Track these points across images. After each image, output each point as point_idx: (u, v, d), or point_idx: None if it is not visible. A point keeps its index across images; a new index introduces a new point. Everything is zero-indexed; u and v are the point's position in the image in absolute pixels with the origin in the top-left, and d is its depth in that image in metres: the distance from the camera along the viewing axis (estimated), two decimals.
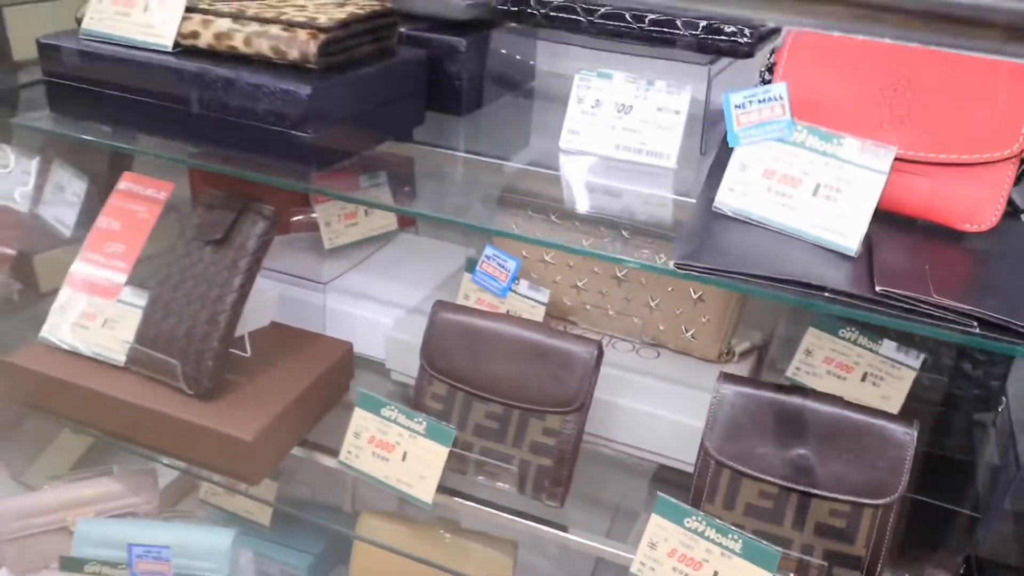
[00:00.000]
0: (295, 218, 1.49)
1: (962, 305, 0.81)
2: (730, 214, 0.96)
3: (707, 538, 1.02)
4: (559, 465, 1.15)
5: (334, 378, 1.29)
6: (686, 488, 1.29)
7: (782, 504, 1.06)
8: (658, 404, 1.22)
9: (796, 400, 1.07)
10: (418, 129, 1.25)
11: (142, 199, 1.25)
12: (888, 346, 1.17)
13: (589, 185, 1.19)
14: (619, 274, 1.31)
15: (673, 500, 1.05)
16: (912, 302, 0.82)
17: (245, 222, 1.18)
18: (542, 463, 1.15)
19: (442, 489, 1.16)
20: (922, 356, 1.15)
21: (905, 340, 1.19)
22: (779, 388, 1.09)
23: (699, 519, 1.03)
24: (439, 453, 1.15)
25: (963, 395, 1.18)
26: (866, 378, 1.18)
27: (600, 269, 1.31)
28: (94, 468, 1.36)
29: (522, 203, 1.33)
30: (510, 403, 1.16)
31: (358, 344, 1.35)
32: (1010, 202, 0.96)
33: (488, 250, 1.30)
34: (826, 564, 1.04)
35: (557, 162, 1.19)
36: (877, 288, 0.83)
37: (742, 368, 1.30)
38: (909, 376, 1.15)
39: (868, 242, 0.91)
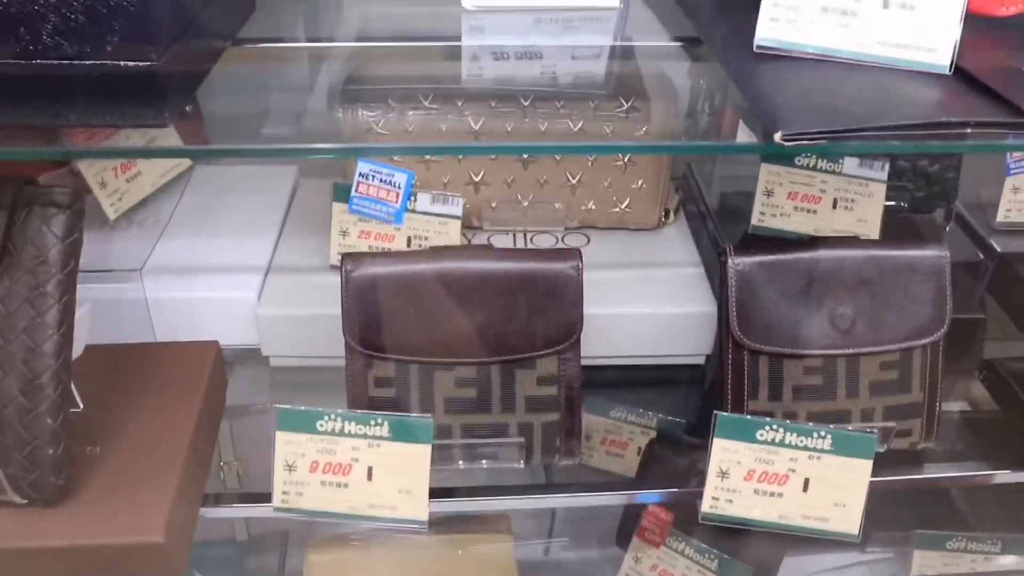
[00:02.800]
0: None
1: None
2: (775, 49, 0.73)
3: (788, 445, 0.86)
4: (569, 415, 0.91)
5: (211, 397, 0.92)
6: (662, 383, 1.12)
7: (831, 375, 0.92)
8: (612, 301, 1.00)
9: (820, 253, 0.91)
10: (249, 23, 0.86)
11: None
12: (850, 163, 1.03)
13: (503, 49, 0.90)
14: (524, 155, 1.03)
15: (736, 416, 0.86)
16: None
17: (29, 221, 0.74)
18: (547, 420, 0.90)
19: None
20: (886, 165, 1.03)
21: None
22: (795, 245, 0.92)
23: (774, 427, 0.85)
24: (418, 455, 0.86)
25: (925, 195, 1.09)
26: (837, 205, 1.04)
27: (499, 154, 1.03)
28: None
29: (380, 92, 1.00)
30: (485, 360, 0.89)
31: (208, 337, 0.97)
32: None
33: (362, 166, 0.96)
34: (893, 424, 0.92)
35: (454, 28, 0.88)
36: None
37: (681, 227, 1.12)
38: (879, 190, 1.03)
39: None
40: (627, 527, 1.12)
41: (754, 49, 0.73)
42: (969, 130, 0.66)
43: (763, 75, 0.71)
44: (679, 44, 0.95)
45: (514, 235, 1.07)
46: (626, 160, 1.04)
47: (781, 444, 0.86)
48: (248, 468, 1.04)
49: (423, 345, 0.88)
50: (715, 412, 0.86)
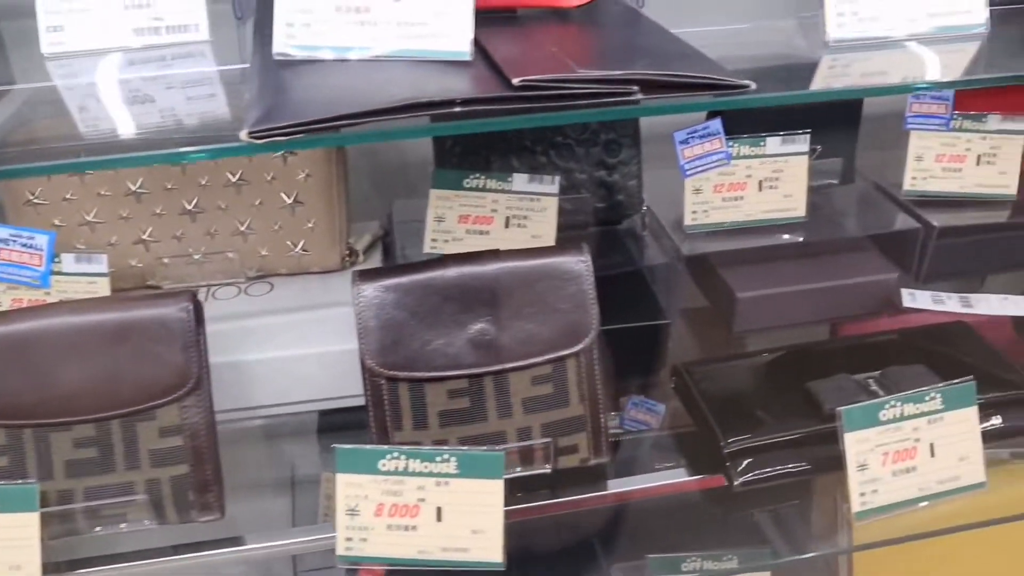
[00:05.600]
0: None
1: (615, 72, 0.65)
2: (300, 57, 0.71)
3: (414, 473, 0.81)
4: (199, 466, 0.85)
5: None
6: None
7: (479, 396, 0.88)
8: (293, 343, 0.96)
9: (451, 271, 0.88)
10: None
11: None
12: (519, 180, 1.02)
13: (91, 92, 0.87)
14: (189, 206, 1.00)
15: (355, 447, 0.82)
16: (559, 85, 0.64)
17: None
18: (176, 473, 0.85)
19: (51, 568, 0.83)
20: (557, 179, 1.01)
21: (535, 168, 1.05)
22: (426, 265, 0.89)
23: (395, 455, 0.81)
24: (25, 524, 0.80)
25: (608, 206, 1.07)
26: (509, 223, 1.02)
27: (164, 208, 1.00)
28: None
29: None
30: (100, 416, 0.84)
31: None
32: None
33: (1, 231, 0.93)
34: (550, 439, 0.88)
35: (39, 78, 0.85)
36: (515, 81, 0.64)
37: (373, 265, 1.09)
38: (552, 204, 1.02)
39: (478, 46, 0.72)
40: None
41: (273, 58, 0.71)
42: (456, 109, 0.64)
43: (269, 83, 0.69)
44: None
45: (196, 289, 1.04)
46: (292, 199, 1.01)
47: (406, 472, 0.81)
48: None
49: (34, 407, 0.83)
50: (333, 446, 0.81)
